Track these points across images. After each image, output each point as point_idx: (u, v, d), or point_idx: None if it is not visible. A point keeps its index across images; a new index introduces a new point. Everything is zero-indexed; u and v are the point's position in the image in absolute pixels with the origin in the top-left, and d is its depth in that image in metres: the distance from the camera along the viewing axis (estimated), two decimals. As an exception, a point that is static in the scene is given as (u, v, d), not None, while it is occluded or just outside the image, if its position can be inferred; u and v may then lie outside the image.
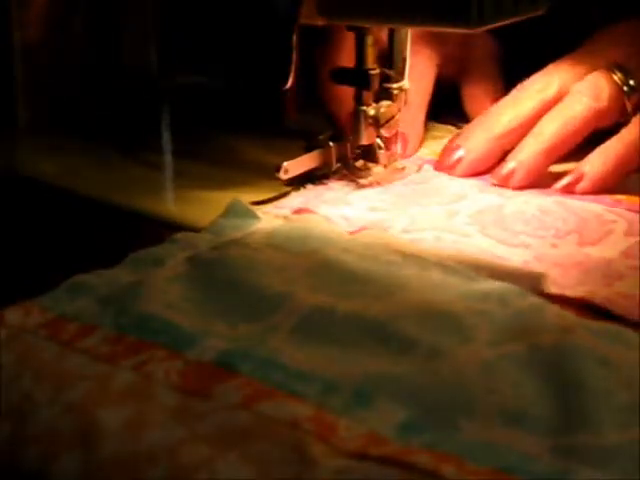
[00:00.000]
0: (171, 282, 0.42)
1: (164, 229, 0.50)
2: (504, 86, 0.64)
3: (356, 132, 0.56)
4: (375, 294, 0.41)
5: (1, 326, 0.39)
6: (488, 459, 0.31)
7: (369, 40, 0.55)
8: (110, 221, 0.55)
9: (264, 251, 0.45)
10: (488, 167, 0.58)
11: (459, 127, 0.64)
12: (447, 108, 0.66)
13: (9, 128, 0.66)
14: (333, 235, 0.48)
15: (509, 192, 0.55)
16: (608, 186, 0.55)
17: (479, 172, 0.58)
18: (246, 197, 0.53)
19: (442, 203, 0.54)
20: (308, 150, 0.56)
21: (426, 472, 0.30)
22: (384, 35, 0.57)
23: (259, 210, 0.52)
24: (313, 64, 0.61)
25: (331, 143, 0.57)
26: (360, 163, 0.57)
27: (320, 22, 0.54)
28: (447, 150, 0.59)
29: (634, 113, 0.57)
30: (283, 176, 0.54)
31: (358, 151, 0.57)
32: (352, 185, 0.57)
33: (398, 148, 0.59)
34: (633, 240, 0.49)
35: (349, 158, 0.57)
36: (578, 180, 0.55)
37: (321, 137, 0.57)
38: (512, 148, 0.57)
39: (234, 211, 0.51)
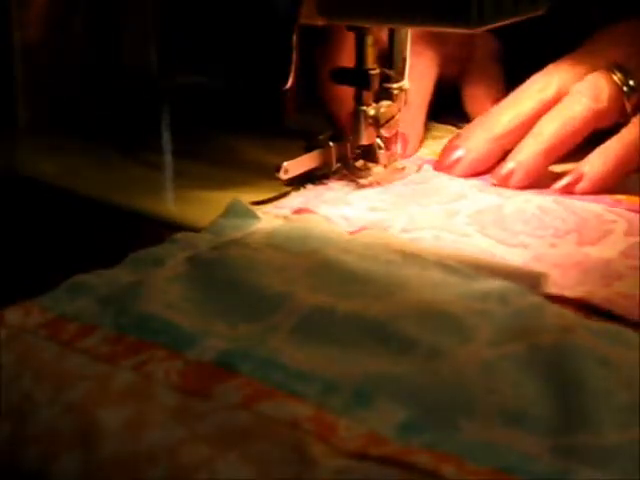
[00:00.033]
0: (171, 282, 0.42)
1: (164, 229, 0.50)
2: (505, 86, 0.64)
3: (356, 132, 0.57)
4: (375, 294, 0.41)
5: (1, 326, 0.39)
6: (488, 459, 0.31)
7: (369, 40, 0.55)
8: (110, 221, 0.55)
9: (264, 251, 0.45)
10: (488, 167, 0.58)
11: (459, 127, 0.64)
12: (447, 108, 0.66)
13: (9, 128, 0.66)
14: (333, 235, 0.48)
15: (509, 192, 0.55)
16: (608, 186, 0.55)
17: (479, 172, 0.58)
18: (246, 197, 0.53)
19: (441, 203, 0.54)
20: (308, 150, 0.56)
21: (426, 472, 0.30)
22: (384, 35, 0.57)
23: (259, 210, 0.52)
24: (313, 64, 0.61)
25: (331, 143, 0.57)
26: (360, 163, 0.57)
27: (320, 22, 0.54)
28: (447, 150, 0.59)
29: (634, 113, 0.57)
30: (283, 176, 0.54)
31: (358, 151, 0.57)
32: (352, 185, 0.57)
33: (398, 148, 0.59)
34: (633, 240, 0.49)
35: (349, 158, 0.57)
36: (578, 180, 0.55)
37: (321, 137, 0.57)
38: (512, 148, 0.57)
39: (234, 211, 0.51)
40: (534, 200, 0.54)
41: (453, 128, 0.66)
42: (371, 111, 0.56)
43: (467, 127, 0.60)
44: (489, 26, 0.50)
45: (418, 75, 0.60)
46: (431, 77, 0.63)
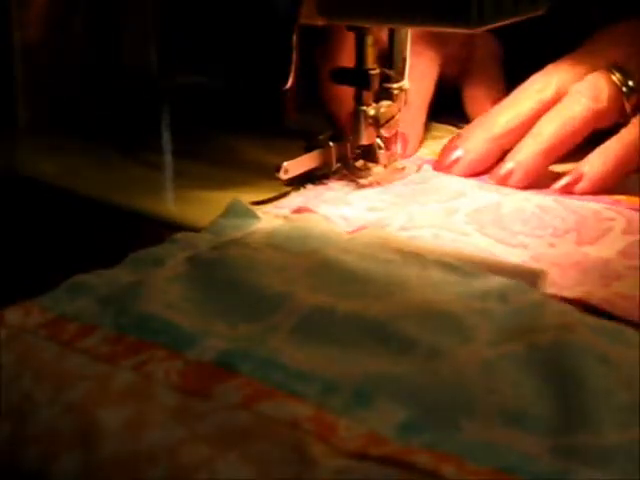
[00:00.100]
0: (171, 282, 0.42)
1: (164, 229, 0.50)
2: (505, 86, 0.64)
3: (356, 132, 0.57)
4: (375, 294, 0.41)
5: (1, 326, 0.39)
6: (488, 459, 0.31)
7: (369, 40, 0.55)
8: (110, 221, 0.55)
9: (264, 251, 0.45)
10: (487, 167, 0.58)
11: (459, 127, 0.64)
12: (448, 108, 0.66)
13: (9, 128, 0.66)
14: (333, 235, 0.48)
15: (508, 189, 0.55)
16: (607, 186, 0.55)
17: (478, 172, 0.58)
18: (246, 197, 0.53)
19: (440, 201, 0.54)
20: (308, 150, 0.56)
21: (426, 472, 0.30)
22: (384, 35, 0.57)
23: (259, 210, 0.52)
24: (313, 64, 0.61)
25: (331, 143, 0.57)
26: (360, 163, 0.57)
27: (320, 22, 0.54)
28: (446, 150, 0.59)
29: (633, 114, 0.57)
30: (283, 176, 0.54)
31: (358, 151, 0.57)
32: (352, 185, 0.57)
33: (398, 148, 0.59)
34: (631, 239, 0.49)
35: (349, 158, 0.57)
36: (577, 180, 0.55)
37: (321, 137, 0.57)
38: (511, 148, 0.57)
39: (234, 211, 0.51)
40: (533, 199, 0.54)
41: (453, 128, 0.66)
42: (371, 111, 0.56)
43: (467, 127, 0.60)
44: (489, 26, 0.50)
45: (419, 75, 0.60)
46: (431, 77, 0.63)
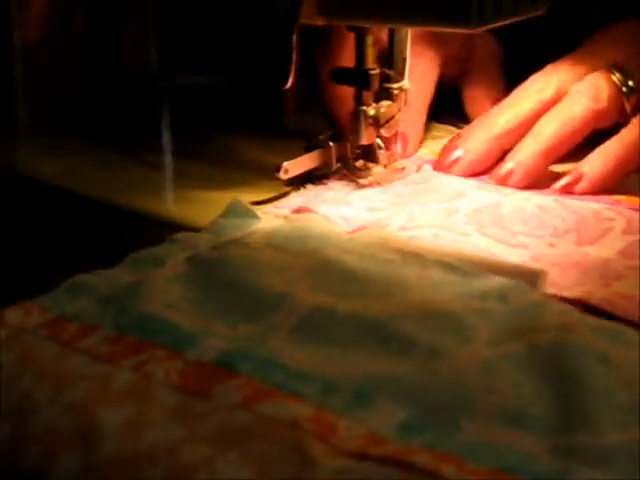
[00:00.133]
0: (171, 282, 0.42)
1: (164, 229, 0.50)
2: (505, 87, 0.64)
3: (356, 132, 0.57)
4: (375, 294, 0.41)
5: (1, 326, 0.39)
6: (488, 459, 0.31)
7: (369, 40, 0.55)
8: (110, 221, 0.55)
9: (264, 251, 0.45)
10: (486, 167, 0.58)
11: (459, 127, 0.64)
12: (448, 109, 0.66)
13: (9, 128, 0.66)
14: (333, 235, 0.48)
15: (508, 189, 0.55)
16: (607, 186, 0.55)
17: (478, 172, 0.58)
18: (246, 197, 0.53)
19: (440, 201, 0.54)
20: (308, 150, 0.56)
21: (426, 472, 0.30)
22: (384, 35, 0.57)
23: (259, 210, 0.52)
24: (313, 64, 0.61)
25: (331, 143, 0.57)
26: (360, 163, 0.57)
27: (320, 22, 0.54)
28: (446, 150, 0.59)
29: (633, 114, 0.57)
30: (283, 176, 0.54)
31: (358, 151, 0.57)
32: (352, 185, 0.57)
33: (398, 148, 0.59)
34: (631, 239, 0.49)
35: (349, 158, 0.57)
36: (577, 180, 0.55)
37: (321, 137, 0.57)
38: (511, 148, 0.57)
39: (234, 211, 0.51)
40: (533, 199, 0.54)
41: (453, 128, 0.66)
42: (371, 111, 0.56)
43: (467, 127, 0.60)
44: (489, 26, 0.50)
45: (419, 75, 0.60)
46: (432, 77, 0.63)
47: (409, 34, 0.57)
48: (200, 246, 0.47)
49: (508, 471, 0.31)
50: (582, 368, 0.35)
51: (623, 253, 0.48)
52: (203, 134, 0.65)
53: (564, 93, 0.57)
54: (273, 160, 0.55)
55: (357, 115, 0.56)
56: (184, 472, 0.31)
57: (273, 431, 0.32)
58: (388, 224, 0.51)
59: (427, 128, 0.65)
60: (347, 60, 0.57)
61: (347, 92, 0.57)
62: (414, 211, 0.53)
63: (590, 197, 0.54)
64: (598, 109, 0.56)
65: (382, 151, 0.57)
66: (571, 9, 0.66)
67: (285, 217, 0.51)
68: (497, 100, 0.60)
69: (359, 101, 0.56)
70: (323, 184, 0.57)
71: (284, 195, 0.55)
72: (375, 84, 0.56)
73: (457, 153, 0.58)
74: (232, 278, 0.43)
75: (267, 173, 0.55)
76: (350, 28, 0.55)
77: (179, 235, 0.48)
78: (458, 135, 0.59)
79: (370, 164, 0.57)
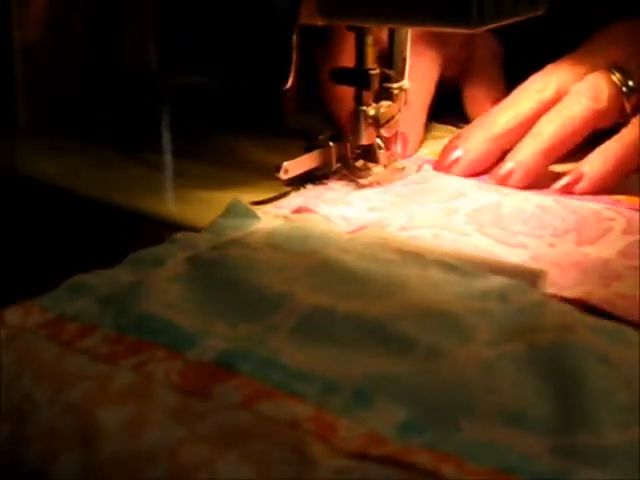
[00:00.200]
0: (171, 282, 0.42)
1: (164, 229, 0.50)
2: (505, 87, 0.64)
3: (356, 132, 0.57)
4: (375, 294, 0.41)
5: (1, 326, 0.39)
6: (488, 459, 0.31)
7: (369, 40, 0.55)
8: (110, 221, 0.55)
9: (264, 251, 0.45)
10: (486, 167, 0.58)
11: (460, 127, 0.64)
12: (448, 109, 0.66)
13: (9, 128, 0.66)
14: (333, 235, 0.48)
15: (508, 189, 0.55)
16: (607, 186, 0.55)
17: (478, 172, 0.58)
18: (246, 197, 0.53)
19: (440, 201, 0.54)
20: (308, 150, 0.56)
21: (426, 472, 0.30)
22: (384, 35, 0.57)
23: (259, 210, 0.52)
24: (313, 64, 0.61)
25: (331, 143, 0.57)
26: (360, 163, 0.57)
27: (320, 22, 0.54)
28: (446, 150, 0.59)
29: (633, 114, 0.57)
30: (283, 176, 0.54)
31: (358, 151, 0.57)
32: (352, 185, 0.57)
33: (398, 148, 0.59)
34: (631, 239, 0.49)
35: (349, 158, 0.57)
36: (577, 180, 0.55)
37: (321, 137, 0.57)
38: (511, 148, 0.57)
39: (234, 211, 0.51)
40: (533, 199, 0.54)
41: (453, 128, 0.66)
42: (371, 111, 0.56)
43: (467, 127, 0.60)
44: (489, 26, 0.50)
45: (419, 75, 0.60)
46: (432, 77, 0.63)
47: (409, 34, 0.57)
48: (200, 246, 0.47)
49: (508, 471, 0.31)
50: (582, 368, 0.35)
51: (623, 253, 0.48)
52: (203, 134, 0.65)
53: (564, 93, 0.57)
54: (273, 160, 0.55)
55: (357, 115, 0.56)
56: (184, 472, 0.31)
57: (273, 431, 0.32)
58: (388, 224, 0.51)
59: (427, 128, 0.65)
60: (347, 60, 0.57)
61: (347, 92, 0.57)
62: (414, 211, 0.53)
63: (590, 197, 0.54)
64: (598, 109, 0.56)
65: (382, 151, 0.57)
66: (571, 9, 0.66)
67: (285, 217, 0.51)
68: (497, 100, 0.60)
69: (359, 101, 0.56)
70: (323, 184, 0.57)
71: (284, 195, 0.55)
72: (375, 84, 0.56)
73: (457, 153, 0.58)
74: (232, 278, 0.43)
75: (267, 173, 0.55)
76: (350, 28, 0.55)
77: (179, 235, 0.48)
78: (458, 135, 0.59)
79: (370, 164, 0.57)
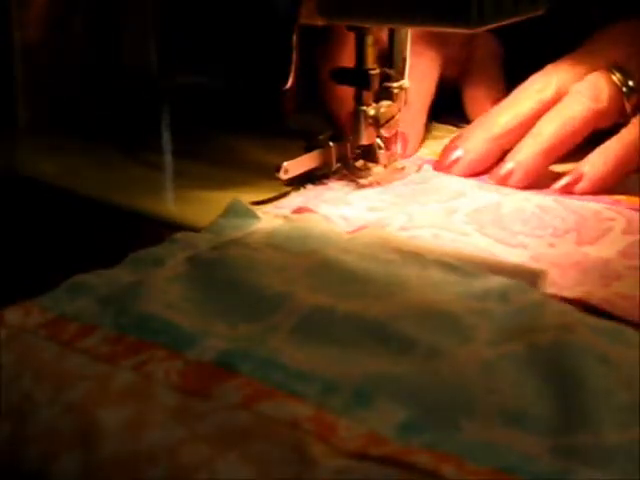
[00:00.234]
0: (171, 282, 0.42)
1: (164, 229, 0.50)
2: (505, 87, 0.64)
3: (356, 132, 0.57)
4: (375, 294, 0.41)
5: (1, 326, 0.39)
6: (488, 459, 0.31)
7: (369, 40, 0.55)
8: (110, 221, 0.55)
9: (264, 251, 0.45)
10: (486, 167, 0.58)
11: (460, 127, 0.64)
12: (448, 109, 0.66)
13: (9, 128, 0.66)
14: (333, 235, 0.48)
15: (508, 189, 0.55)
16: (607, 186, 0.55)
17: (478, 172, 0.58)
18: (246, 197, 0.53)
19: (440, 201, 0.54)
20: (308, 150, 0.56)
21: (426, 472, 0.30)
22: (384, 35, 0.57)
23: (259, 210, 0.52)
24: (313, 64, 0.61)
25: (331, 143, 0.57)
26: (360, 163, 0.57)
27: (320, 22, 0.54)
28: (446, 150, 0.59)
29: (633, 114, 0.57)
30: (283, 176, 0.54)
31: (358, 151, 0.57)
32: (352, 185, 0.57)
33: (398, 148, 0.59)
34: (631, 239, 0.49)
35: (349, 158, 0.57)
36: (577, 180, 0.55)
37: (321, 137, 0.57)
38: (511, 148, 0.57)
39: (234, 211, 0.51)
40: (533, 199, 0.54)
41: (453, 128, 0.66)
42: (371, 111, 0.56)
43: (467, 127, 0.60)
44: (489, 26, 0.50)
45: (419, 75, 0.60)
46: (432, 78, 0.63)
47: (409, 34, 0.57)
48: (200, 246, 0.47)
49: (508, 471, 0.31)
50: (582, 368, 0.35)
51: (623, 253, 0.48)
52: (203, 134, 0.65)
53: (564, 93, 0.57)
54: (273, 160, 0.55)
55: (357, 115, 0.56)
56: (184, 472, 0.31)
57: (273, 431, 0.32)
58: (388, 224, 0.51)
59: (427, 128, 0.65)
60: (347, 60, 0.57)
61: (347, 92, 0.57)
62: (414, 211, 0.53)
63: (590, 197, 0.54)
64: (598, 109, 0.56)
65: (382, 151, 0.57)
66: (571, 9, 0.66)
67: (285, 217, 0.51)
68: (497, 100, 0.60)
69: (359, 101, 0.56)
70: (323, 184, 0.57)
71: (284, 195, 0.55)
72: (375, 84, 0.56)
73: (457, 153, 0.58)
74: (232, 278, 0.43)
75: (267, 173, 0.55)
76: (350, 28, 0.55)
77: (179, 235, 0.48)
78: (458, 135, 0.59)
79: (370, 164, 0.57)
